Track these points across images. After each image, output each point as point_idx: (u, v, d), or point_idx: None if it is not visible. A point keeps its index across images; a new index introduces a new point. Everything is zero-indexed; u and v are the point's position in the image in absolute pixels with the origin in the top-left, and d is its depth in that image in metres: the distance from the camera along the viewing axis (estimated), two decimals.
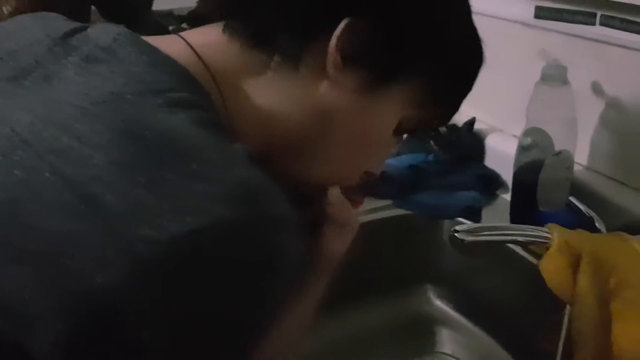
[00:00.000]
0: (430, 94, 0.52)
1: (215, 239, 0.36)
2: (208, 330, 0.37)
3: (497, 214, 0.92)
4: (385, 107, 0.51)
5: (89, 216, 0.35)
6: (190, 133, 0.39)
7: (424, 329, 0.97)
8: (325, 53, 0.48)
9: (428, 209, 0.95)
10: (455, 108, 0.56)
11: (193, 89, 0.44)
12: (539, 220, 0.80)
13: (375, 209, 0.95)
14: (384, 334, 0.95)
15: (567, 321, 0.59)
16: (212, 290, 0.36)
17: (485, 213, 0.93)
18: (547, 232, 0.60)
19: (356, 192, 0.59)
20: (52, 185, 0.36)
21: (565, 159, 0.81)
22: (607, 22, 0.81)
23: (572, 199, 0.81)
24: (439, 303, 1.00)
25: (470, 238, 0.60)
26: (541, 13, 0.91)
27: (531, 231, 0.61)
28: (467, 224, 0.71)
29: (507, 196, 0.91)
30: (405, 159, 1.01)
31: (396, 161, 1.00)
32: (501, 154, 0.97)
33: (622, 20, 0.79)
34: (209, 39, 0.49)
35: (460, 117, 0.96)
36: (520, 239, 0.63)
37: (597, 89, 0.85)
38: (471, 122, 1.05)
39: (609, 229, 0.74)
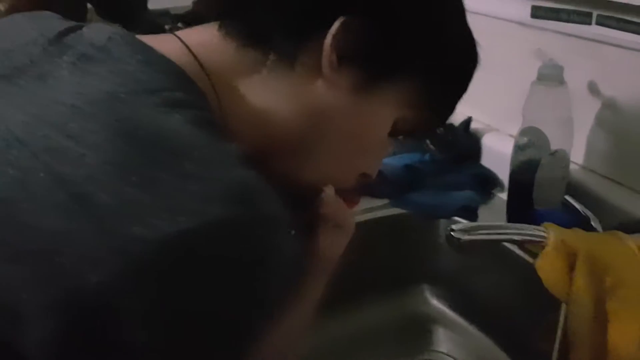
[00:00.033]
0: (425, 94, 0.52)
1: (209, 238, 0.36)
2: (203, 330, 0.37)
3: (493, 214, 0.92)
4: (381, 107, 0.51)
5: (82, 215, 0.35)
6: (185, 132, 0.39)
7: (420, 328, 0.97)
8: (321, 52, 0.48)
9: (424, 208, 0.94)
10: (450, 110, 0.56)
11: (188, 89, 0.44)
12: (535, 219, 0.80)
13: (372, 209, 0.95)
14: (380, 334, 0.95)
15: (563, 320, 0.59)
16: (207, 289, 0.36)
17: (482, 212, 0.92)
18: (543, 231, 0.60)
19: (352, 192, 0.59)
20: (46, 185, 0.36)
21: (561, 158, 0.81)
22: (603, 22, 0.81)
23: (568, 198, 0.81)
24: (435, 302, 1.00)
25: (466, 237, 0.60)
26: (537, 13, 0.91)
27: (527, 230, 0.61)
28: (463, 223, 0.70)
29: (504, 195, 0.91)
30: (402, 159, 1.00)
31: (392, 160, 1.00)
32: (497, 153, 0.97)
33: (618, 19, 0.79)
34: (204, 39, 0.49)
35: (456, 117, 0.96)
36: (516, 238, 0.63)
37: (593, 89, 0.85)
38: (467, 122, 1.05)
39: (605, 228, 0.74)
